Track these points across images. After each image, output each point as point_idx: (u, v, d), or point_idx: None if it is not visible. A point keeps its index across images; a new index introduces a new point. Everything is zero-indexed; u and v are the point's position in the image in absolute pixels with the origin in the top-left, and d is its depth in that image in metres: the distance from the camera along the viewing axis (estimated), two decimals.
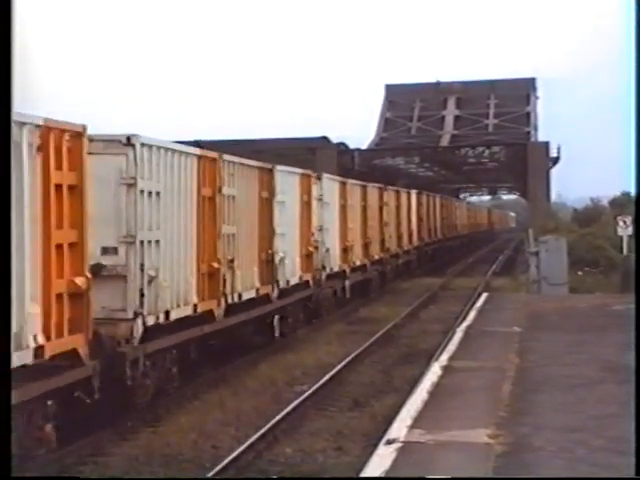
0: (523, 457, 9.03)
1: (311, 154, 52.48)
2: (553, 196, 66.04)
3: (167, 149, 15.65)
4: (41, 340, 11.26)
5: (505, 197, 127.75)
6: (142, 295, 14.38)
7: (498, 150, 64.01)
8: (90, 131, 12.71)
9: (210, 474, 11.84)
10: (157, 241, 15.05)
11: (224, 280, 17.94)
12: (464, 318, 21.54)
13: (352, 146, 60.06)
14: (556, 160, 58.28)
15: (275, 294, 21.56)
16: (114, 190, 14.26)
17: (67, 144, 12.02)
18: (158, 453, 12.84)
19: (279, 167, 22.39)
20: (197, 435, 13.68)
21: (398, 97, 70.54)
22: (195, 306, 16.51)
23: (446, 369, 13.72)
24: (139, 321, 14.30)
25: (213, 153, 17.96)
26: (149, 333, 14.67)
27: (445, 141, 64.98)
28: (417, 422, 10.39)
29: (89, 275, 12.42)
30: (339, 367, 18.80)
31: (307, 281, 24.82)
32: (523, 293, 29.66)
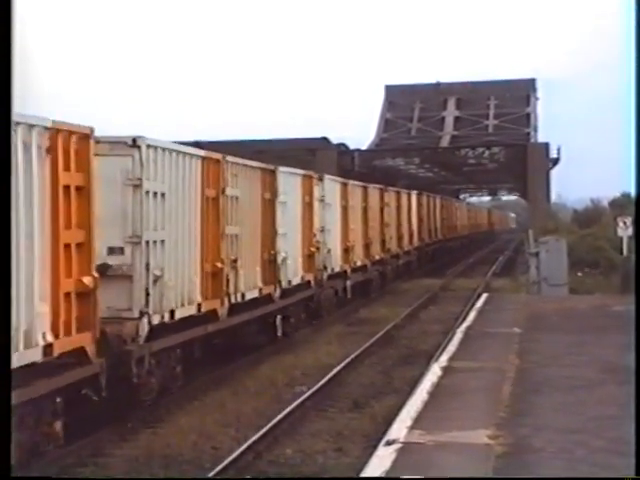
0: (523, 458, 9.04)
1: (311, 155, 52.49)
2: (553, 197, 66.07)
3: (172, 150, 15.82)
4: (50, 338, 11.41)
5: (505, 198, 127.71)
6: (147, 294, 14.54)
7: (498, 151, 63.99)
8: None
9: (210, 475, 11.84)
10: (162, 241, 15.21)
11: (227, 280, 18.10)
12: (464, 319, 21.55)
13: (352, 147, 60.08)
14: (556, 161, 58.29)
15: (277, 294, 21.72)
16: (120, 191, 14.42)
17: (75, 146, 12.18)
18: (158, 454, 12.83)
19: (281, 168, 22.54)
20: (197, 436, 13.68)
21: (398, 98, 70.53)
22: (199, 305, 16.66)
23: (446, 370, 13.73)
24: (145, 320, 14.45)
25: (217, 154, 18.08)
26: (154, 332, 14.82)
27: (445, 142, 64.99)
28: (417, 423, 10.40)
29: (96, 274, 12.59)
30: (339, 368, 18.79)
31: (309, 281, 24.99)
32: (523, 294, 29.67)
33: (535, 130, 65.68)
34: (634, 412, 9.38)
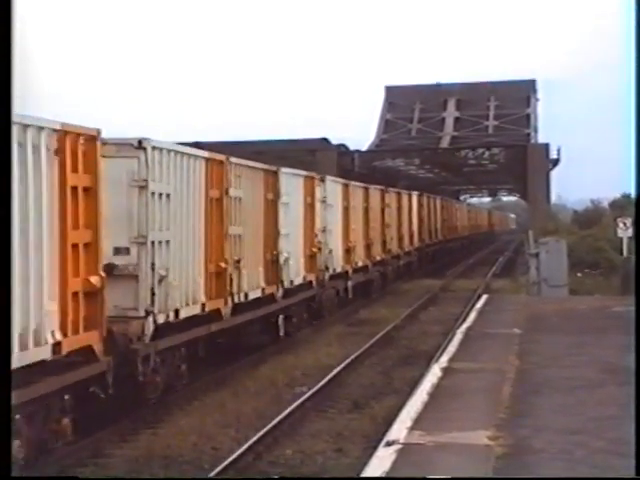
0: (523, 459, 9.04)
1: (311, 155, 52.48)
2: (553, 198, 66.14)
3: (177, 152, 15.99)
4: (59, 336, 11.60)
5: (505, 199, 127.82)
6: (153, 294, 14.72)
7: (498, 152, 64.02)
8: None
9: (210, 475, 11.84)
10: (167, 241, 15.39)
11: (231, 280, 18.29)
12: (464, 320, 21.56)
13: (352, 147, 60.07)
14: (556, 162, 58.28)
15: (280, 294, 21.89)
16: (126, 192, 14.60)
17: (82, 147, 12.37)
18: (158, 455, 12.84)
19: (284, 169, 22.71)
20: (197, 437, 13.68)
21: (398, 99, 70.50)
22: (203, 305, 16.84)
23: (446, 371, 13.73)
24: (150, 319, 14.62)
25: (220, 156, 18.22)
26: (159, 331, 14.99)
27: (445, 143, 64.97)
28: (417, 424, 10.40)
29: (103, 274, 12.76)
30: (339, 368, 18.79)
31: (310, 281, 25.15)
32: (523, 295, 29.68)
33: (535, 131, 65.67)
34: (634, 413, 9.38)
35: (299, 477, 12.04)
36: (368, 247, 33.99)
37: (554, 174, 59.52)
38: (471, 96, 68.56)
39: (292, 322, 22.88)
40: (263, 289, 20.57)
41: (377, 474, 8.63)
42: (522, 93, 68.78)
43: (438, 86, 70.91)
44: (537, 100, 70.24)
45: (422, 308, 31.03)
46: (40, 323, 11.26)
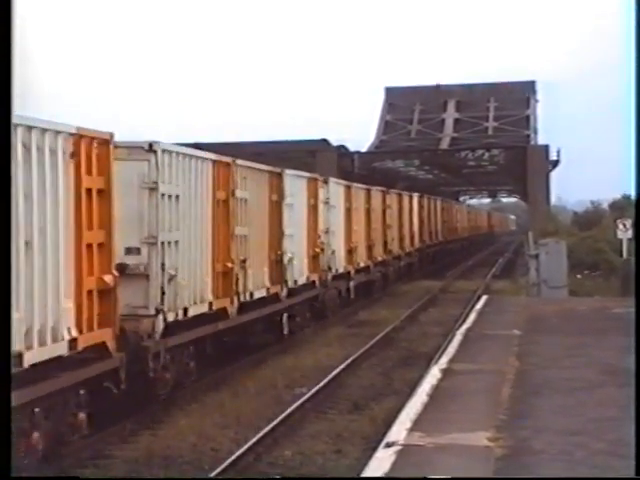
0: (523, 460, 9.03)
1: (311, 157, 52.51)
2: (553, 199, 66.07)
3: (185, 155, 16.41)
4: (75, 333, 12.00)
5: (505, 200, 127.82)
6: (163, 293, 15.10)
7: (498, 153, 64.02)
8: None
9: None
10: (176, 242, 15.77)
11: (237, 279, 18.65)
12: (464, 321, 21.56)
13: (352, 149, 60.07)
14: (556, 163, 58.29)
15: (284, 293, 22.29)
16: (137, 194, 14.98)
17: (96, 151, 12.78)
18: (158, 455, 12.84)
19: (288, 171, 23.10)
20: (197, 437, 13.67)
21: (398, 100, 70.54)
22: (210, 304, 17.24)
23: (446, 372, 13.72)
24: (160, 317, 15.01)
25: (227, 158, 18.59)
26: (169, 329, 15.35)
27: (445, 144, 65.00)
28: (417, 425, 10.39)
29: (116, 273, 13.14)
30: (339, 370, 18.79)
31: (314, 281, 25.52)
32: (523, 296, 29.68)
33: (535, 132, 65.69)
34: (634, 414, 9.37)
35: (299, 477, 12.04)
36: (370, 248, 34.24)
37: (554, 175, 59.63)
38: (471, 97, 68.63)
39: (296, 321, 23.19)
40: (268, 288, 20.98)
41: (376, 475, 8.62)
42: (522, 94, 68.85)
43: (438, 87, 71.00)
44: (537, 101, 70.31)
45: (422, 309, 31.04)
46: (57, 320, 11.64)
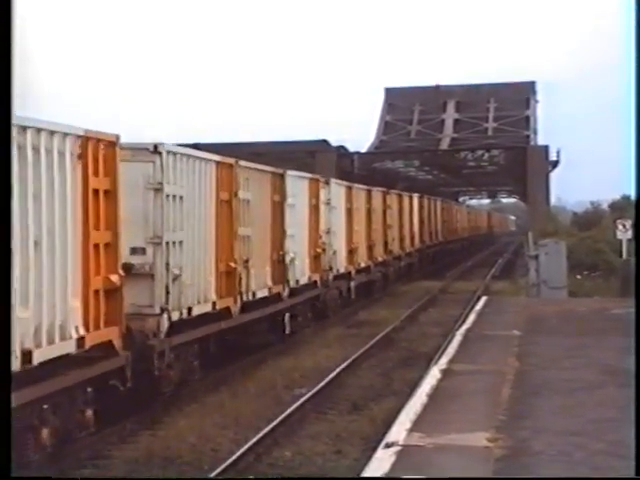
0: (522, 460, 9.03)
1: (311, 157, 52.51)
2: (553, 200, 65.97)
3: (189, 156, 16.62)
4: (82, 331, 12.25)
5: (505, 200, 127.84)
6: (168, 292, 15.33)
7: (497, 153, 64.01)
8: None
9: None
10: (181, 242, 15.97)
11: (240, 279, 18.85)
12: (463, 321, 21.55)
13: (352, 149, 60.07)
14: (556, 163, 58.28)
15: (286, 293, 22.51)
16: (142, 195, 15.20)
17: (102, 152, 12.98)
18: (157, 455, 12.85)
19: (290, 172, 23.29)
20: (196, 438, 13.68)
21: (398, 100, 70.55)
22: (214, 303, 17.46)
23: (445, 372, 13.72)
24: (165, 316, 15.23)
25: (230, 159, 18.75)
26: (173, 328, 15.55)
27: (445, 144, 64.99)
28: (416, 425, 10.39)
29: (122, 273, 13.35)
30: (338, 370, 18.79)
31: (315, 281, 25.73)
32: (522, 296, 29.69)
33: (535, 133, 65.69)
34: (634, 415, 9.38)
35: (299, 477, 12.05)
36: (370, 248, 34.38)
37: (553, 176, 59.60)
38: (471, 98, 68.61)
39: (297, 321, 23.36)
40: (270, 288, 21.17)
41: (376, 476, 8.62)
42: (521, 95, 68.85)
43: (437, 88, 70.99)
44: (537, 102, 70.31)
45: (422, 309, 31.05)
46: (65, 319, 11.85)
